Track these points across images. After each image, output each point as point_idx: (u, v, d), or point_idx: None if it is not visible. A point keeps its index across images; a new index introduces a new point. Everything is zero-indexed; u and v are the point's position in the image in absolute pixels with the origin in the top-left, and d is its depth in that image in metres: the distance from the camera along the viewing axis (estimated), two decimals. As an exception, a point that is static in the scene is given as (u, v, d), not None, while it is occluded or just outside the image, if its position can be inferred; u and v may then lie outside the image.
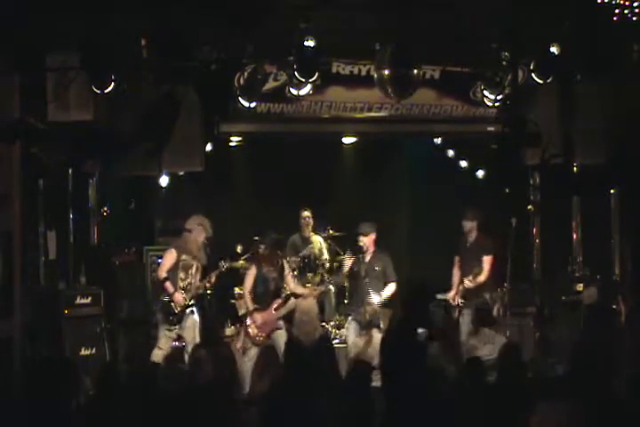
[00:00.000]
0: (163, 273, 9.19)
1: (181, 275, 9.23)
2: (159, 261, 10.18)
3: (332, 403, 5.97)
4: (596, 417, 5.96)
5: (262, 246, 9.78)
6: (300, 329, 8.88)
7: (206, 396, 5.96)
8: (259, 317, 9.42)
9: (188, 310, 9.21)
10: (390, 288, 9.69)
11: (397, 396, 5.99)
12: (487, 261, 9.94)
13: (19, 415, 5.74)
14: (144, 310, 9.97)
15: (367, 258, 9.75)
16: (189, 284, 9.24)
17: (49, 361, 6.35)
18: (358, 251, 9.76)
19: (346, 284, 10.83)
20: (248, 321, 9.45)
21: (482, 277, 9.82)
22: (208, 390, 6.10)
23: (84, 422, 5.85)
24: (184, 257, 9.22)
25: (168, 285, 9.13)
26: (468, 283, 9.78)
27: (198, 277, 9.29)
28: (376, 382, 6.47)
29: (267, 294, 9.50)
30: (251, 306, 9.46)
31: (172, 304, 9.13)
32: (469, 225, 10.18)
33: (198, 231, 9.31)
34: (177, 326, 9.15)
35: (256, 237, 11.06)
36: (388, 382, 6.11)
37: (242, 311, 9.96)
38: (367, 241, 9.73)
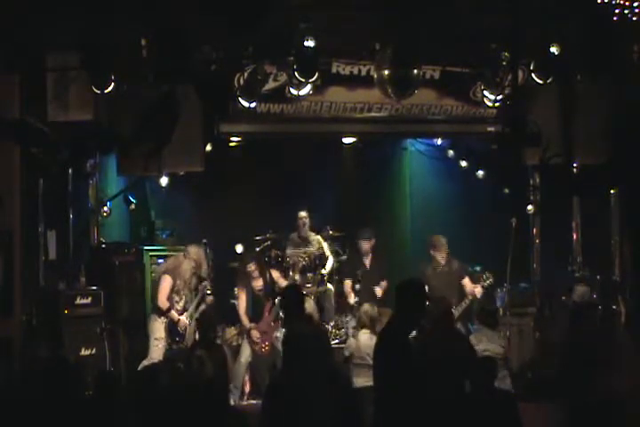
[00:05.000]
0: (166, 302, 9.48)
1: (176, 298, 9.56)
2: (160, 261, 10.25)
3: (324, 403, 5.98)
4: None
5: (248, 266, 10.05)
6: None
7: (202, 398, 5.97)
8: (256, 332, 9.80)
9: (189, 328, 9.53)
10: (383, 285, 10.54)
11: (389, 397, 5.98)
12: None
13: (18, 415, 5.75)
14: (144, 310, 9.98)
15: (367, 262, 10.75)
16: (185, 303, 9.59)
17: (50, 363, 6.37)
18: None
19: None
20: (249, 338, 9.83)
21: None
22: (205, 392, 6.11)
23: (83, 422, 5.86)
24: (178, 282, 9.54)
25: (173, 313, 9.49)
26: None
27: (187, 296, 9.62)
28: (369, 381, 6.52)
29: (260, 309, 9.95)
30: (247, 325, 9.89)
31: (178, 327, 9.48)
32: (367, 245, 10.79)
33: (192, 262, 9.65)
34: (182, 342, 9.45)
35: (257, 237, 11.09)
36: (380, 382, 6.10)
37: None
38: (368, 246, 10.72)
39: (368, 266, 10.91)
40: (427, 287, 10.02)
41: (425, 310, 6.22)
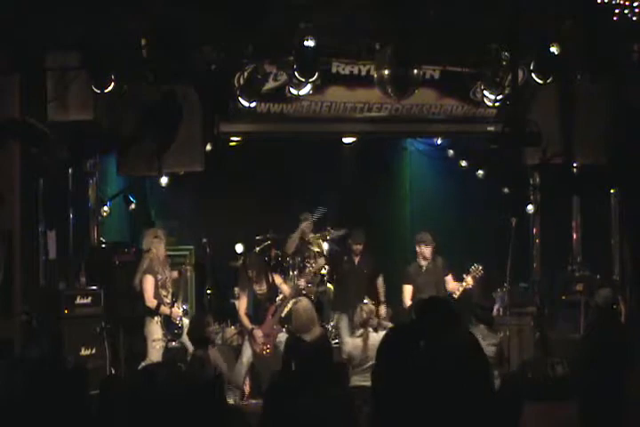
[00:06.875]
0: (153, 300, 9.47)
1: (163, 292, 9.57)
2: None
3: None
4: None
5: (250, 271, 10.04)
6: (298, 330, 8.94)
7: (203, 397, 5.95)
8: (259, 332, 9.77)
9: (185, 321, 9.58)
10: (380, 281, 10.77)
11: (388, 395, 5.96)
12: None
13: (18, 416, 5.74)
14: (143, 309, 9.99)
15: (356, 262, 10.86)
16: (173, 295, 9.64)
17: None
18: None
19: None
20: (251, 338, 9.81)
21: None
22: (205, 391, 6.09)
23: (83, 423, 5.85)
24: (159, 277, 9.56)
25: (164, 309, 9.49)
26: None
27: (172, 289, 9.70)
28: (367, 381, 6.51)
29: (262, 312, 9.94)
30: (249, 326, 9.86)
31: (172, 319, 9.50)
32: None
33: (157, 247, 9.65)
34: (181, 338, 9.49)
35: (257, 237, 11.08)
36: (382, 383, 6.08)
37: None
38: (359, 248, 10.81)
39: (356, 264, 10.99)
40: (412, 286, 10.21)
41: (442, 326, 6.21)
